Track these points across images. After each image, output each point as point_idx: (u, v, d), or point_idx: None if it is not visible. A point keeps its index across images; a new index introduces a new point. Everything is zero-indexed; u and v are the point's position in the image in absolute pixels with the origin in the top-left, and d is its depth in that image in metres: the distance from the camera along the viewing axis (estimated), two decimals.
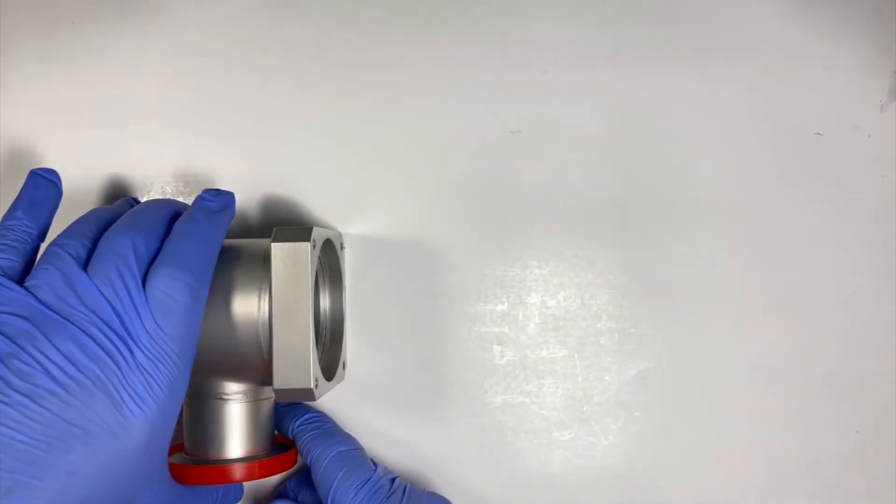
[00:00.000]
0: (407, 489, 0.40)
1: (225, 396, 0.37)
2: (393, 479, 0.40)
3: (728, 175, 0.45)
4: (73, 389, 0.29)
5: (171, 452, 0.38)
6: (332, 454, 0.40)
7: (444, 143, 0.45)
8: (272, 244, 0.35)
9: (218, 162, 0.45)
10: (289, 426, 0.42)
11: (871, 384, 0.45)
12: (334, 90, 0.45)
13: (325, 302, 0.44)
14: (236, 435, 0.38)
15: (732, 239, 0.45)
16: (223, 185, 0.45)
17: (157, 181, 0.45)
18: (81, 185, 0.45)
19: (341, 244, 0.43)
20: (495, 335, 0.45)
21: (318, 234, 0.37)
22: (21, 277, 0.32)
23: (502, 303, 0.45)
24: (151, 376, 0.30)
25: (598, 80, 0.46)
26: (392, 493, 0.39)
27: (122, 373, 0.30)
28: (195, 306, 0.33)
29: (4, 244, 0.33)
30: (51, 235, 0.35)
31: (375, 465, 0.41)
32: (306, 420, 0.42)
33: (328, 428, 0.42)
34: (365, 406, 0.45)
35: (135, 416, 0.30)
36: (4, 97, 0.45)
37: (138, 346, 0.30)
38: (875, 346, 0.45)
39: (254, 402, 0.38)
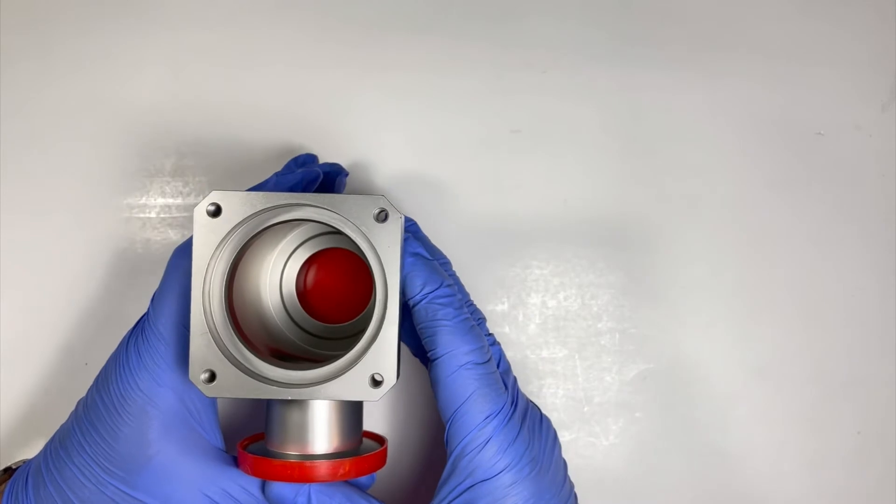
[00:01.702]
0: (528, 411, 0.36)
1: None
2: (526, 406, 0.36)
3: (728, 175, 0.45)
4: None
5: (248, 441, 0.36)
6: (462, 364, 0.34)
7: (444, 142, 0.45)
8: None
9: (217, 162, 0.45)
10: (414, 293, 0.34)
11: (872, 384, 0.45)
12: (333, 89, 0.45)
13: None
14: (298, 428, 0.33)
15: (733, 239, 0.45)
16: (221, 185, 0.45)
17: (156, 181, 0.45)
18: (81, 185, 0.45)
19: (378, 213, 0.32)
20: (495, 335, 0.44)
21: (226, 199, 0.31)
22: None
23: (502, 303, 0.45)
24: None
25: (598, 80, 0.45)
26: (522, 425, 0.35)
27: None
28: (168, 272, 0.35)
29: None
30: None
31: (506, 384, 0.35)
32: (437, 297, 0.34)
33: (463, 321, 0.35)
34: (364, 406, 0.44)
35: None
36: (4, 97, 0.45)
37: None
38: (875, 346, 0.45)
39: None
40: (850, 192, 0.45)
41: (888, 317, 0.45)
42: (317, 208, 0.32)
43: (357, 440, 0.35)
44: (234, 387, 0.31)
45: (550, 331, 0.45)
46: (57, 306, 0.44)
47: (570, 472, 0.44)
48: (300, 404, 0.33)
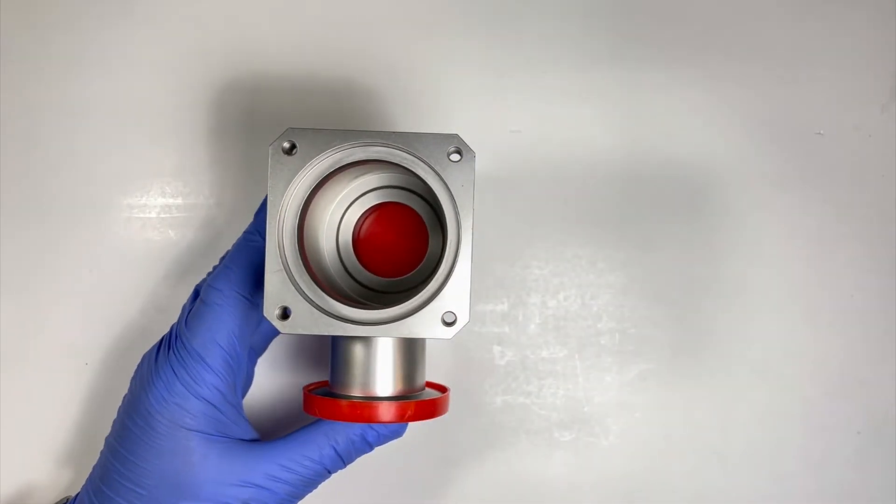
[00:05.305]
0: None
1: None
2: None
3: (728, 175, 0.45)
4: None
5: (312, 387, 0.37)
6: None
7: None
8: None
9: (218, 162, 0.45)
10: None
11: (872, 384, 0.45)
12: (333, 89, 0.45)
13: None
14: (365, 370, 0.34)
15: (733, 239, 0.45)
16: (221, 185, 0.45)
17: (156, 181, 0.45)
18: (80, 185, 0.45)
19: (451, 150, 0.32)
20: (495, 335, 0.45)
21: (301, 136, 0.32)
22: None
23: (502, 303, 0.45)
24: None
25: (599, 80, 0.45)
26: None
27: None
28: (208, 301, 0.37)
29: None
30: None
31: None
32: None
33: None
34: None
35: None
36: (4, 97, 0.45)
37: None
38: (876, 346, 0.45)
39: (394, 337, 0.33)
40: (849, 192, 0.45)
41: (888, 317, 0.45)
42: (389, 148, 0.32)
43: (420, 386, 0.36)
44: (308, 323, 0.31)
45: (550, 331, 0.45)
46: (57, 306, 0.44)
47: (570, 473, 0.45)
48: (367, 346, 0.34)
